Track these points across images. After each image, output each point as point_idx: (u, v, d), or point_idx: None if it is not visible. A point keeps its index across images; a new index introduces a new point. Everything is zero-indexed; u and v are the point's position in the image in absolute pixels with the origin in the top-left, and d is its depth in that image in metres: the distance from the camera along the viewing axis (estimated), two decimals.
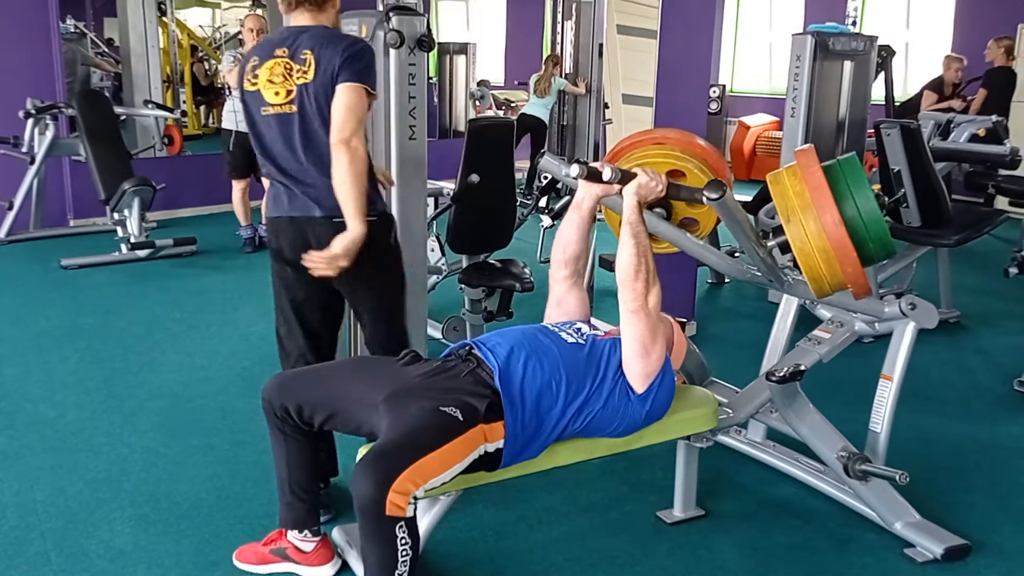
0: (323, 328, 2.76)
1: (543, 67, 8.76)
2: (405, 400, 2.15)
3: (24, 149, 6.28)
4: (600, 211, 2.63)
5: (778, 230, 2.38)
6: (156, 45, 7.84)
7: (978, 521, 2.80)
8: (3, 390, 3.70)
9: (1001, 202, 6.64)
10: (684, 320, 4.31)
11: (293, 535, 2.44)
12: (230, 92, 5.72)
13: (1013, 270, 4.14)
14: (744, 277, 2.69)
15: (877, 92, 5.77)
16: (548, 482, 2.91)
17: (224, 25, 10.05)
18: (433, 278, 4.25)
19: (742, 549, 2.65)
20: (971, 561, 2.60)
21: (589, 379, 2.26)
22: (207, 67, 9.41)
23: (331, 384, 2.32)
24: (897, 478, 2.53)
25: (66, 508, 2.78)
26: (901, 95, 8.14)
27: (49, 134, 6.23)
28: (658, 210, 2.62)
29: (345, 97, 2.49)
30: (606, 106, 4.83)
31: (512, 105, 9.83)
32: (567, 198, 4.66)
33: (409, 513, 1.97)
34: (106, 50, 8.49)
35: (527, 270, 3.83)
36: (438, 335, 4.05)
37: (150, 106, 7.69)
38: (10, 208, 6.29)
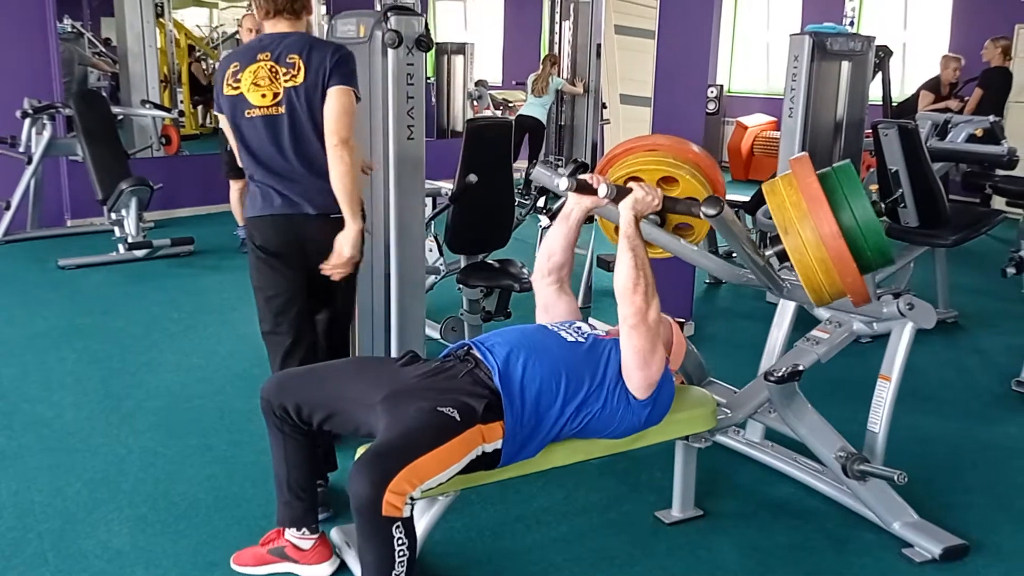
0: (308, 318, 2.83)
1: (541, 66, 8.76)
2: (403, 400, 2.15)
3: (21, 149, 6.27)
4: (595, 219, 2.63)
5: (775, 239, 2.38)
6: (153, 45, 7.82)
7: (976, 521, 2.80)
8: (0, 390, 3.69)
9: (998, 202, 6.65)
10: (682, 320, 4.30)
11: (291, 533, 2.44)
12: None
13: (1011, 270, 4.14)
14: (740, 281, 2.69)
15: (874, 92, 5.76)
16: (546, 482, 2.92)
17: (222, 25, 10.05)
18: (431, 278, 4.25)
19: (741, 549, 2.65)
20: (969, 561, 2.60)
21: (588, 378, 2.26)
22: (205, 67, 9.41)
23: (330, 384, 2.32)
24: (895, 478, 2.53)
25: (64, 508, 2.77)
26: (898, 95, 8.14)
27: (46, 134, 6.21)
28: (652, 216, 2.61)
29: (339, 100, 2.62)
30: (604, 106, 4.82)
31: (510, 105, 9.83)
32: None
33: (405, 513, 1.97)
34: (103, 50, 8.47)
35: (525, 270, 3.83)
36: (436, 335, 4.05)
37: (147, 106, 7.68)
38: (7, 208, 6.28)
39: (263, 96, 2.65)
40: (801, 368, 2.68)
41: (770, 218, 2.42)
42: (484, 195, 3.84)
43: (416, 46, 3.01)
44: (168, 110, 7.79)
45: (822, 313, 3.01)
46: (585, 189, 2.39)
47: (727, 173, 10.30)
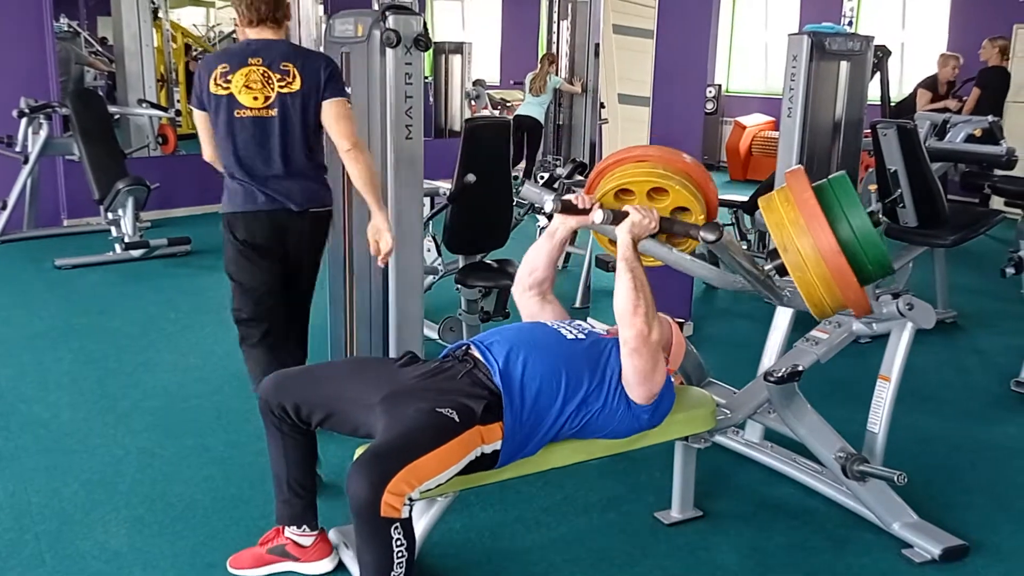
0: (283, 305, 3.04)
1: (539, 65, 8.74)
2: (402, 401, 2.14)
3: (18, 148, 6.26)
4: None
5: (774, 253, 2.37)
6: (150, 44, 7.81)
7: (976, 521, 2.80)
8: None
9: (996, 202, 6.65)
10: (681, 320, 4.30)
11: (291, 531, 2.43)
12: None
13: (1010, 270, 4.14)
14: (736, 288, 2.68)
15: (873, 92, 5.76)
16: (546, 483, 2.91)
17: (218, 24, 10.04)
18: (429, 278, 4.24)
19: (740, 550, 2.64)
20: (969, 561, 2.59)
21: (587, 376, 2.25)
22: None
23: (328, 385, 2.31)
24: (895, 479, 2.52)
25: (61, 509, 2.76)
26: (896, 95, 8.14)
27: (43, 133, 6.19)
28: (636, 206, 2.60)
29: (339, 110, 2.88)
30: (602, 106, 4.82)
31: (508, 105, 9.82)
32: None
33: (404, 514, 1.97)
34: (100, 49, 8.46)
35: None
36: (434, 336, 4.04)
37: (144, 105, 7.67)
38: (3, 208, 6.26)
39: (255, 99, 2.83)
40: (801, 368, 2.67)
41: None
42: (482, 195, 3.84)
43: (414, 45, 3.00)
44: (165, 109, 7.78)
45: None
46: (570, 210, 2.39)
47: (725, 173, 10.31)
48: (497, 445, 2.14)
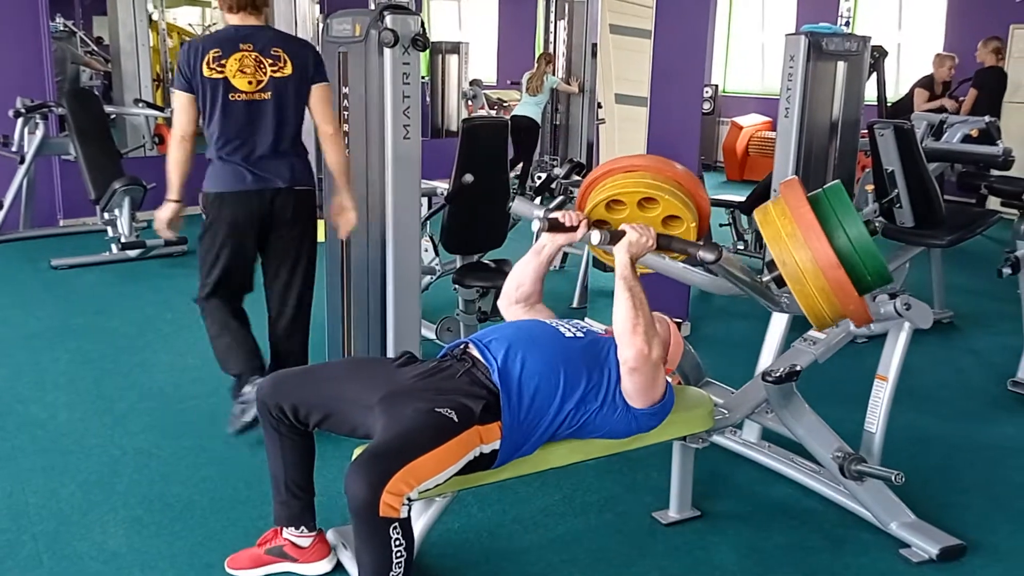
0: (251, 278, 3.27)
1: (536, 65, 8.74)
2: (400, 401, 2.14)
3: (14, 148, 6.23)
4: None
5: (772, 264, 2.37)
6: (146, 43, 7.79)
7: (973, 521, 2.80)
8: None
9: (993, 202, 6.65)
10: (679, 320, 4.31)
11: (289, 532, 2.43)
12: None
13: (1006, 270, 4.14)
14: (731, 293, 2.68)
15: (869, 93, 5.77)
16: (544, 483, 2.91)
17: (215, 23, 10.00)
18: (427, 278, 4.24)
19: (738, 549, 2.64)
20: (966, 561, 2.60)
21: (585, 374, 2.25)
22: None
23: (327, 385, 2.31)
24: (893, 478, 2.52)
25: (58, 510, 2.76)
26: (893, 96, 8.15)
27: (39, 133, 6.17)
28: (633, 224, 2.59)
29: (326, 94, 3.13)
30: (599, 106, 4.82)
31: (505, 104, 9.81)
32: (561, 198, 4.66)
33: (403, 514, 1.96)
34: (96, 48, 8.45)
35: None
36: (432, 336, 4.04)
37: (140, 105, 7.66)
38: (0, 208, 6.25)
39: (249, 83, 3.02)
40: (798, 368, 2.68)
41: None
42: (480, 195, 3.83)
43: (412, 45, 3.00)
44: (161, 109, 7.76)
45: None
46: (557, 228, 2.39)
47: (722, 173, 10.31)
48: (496, 445, 2.14)
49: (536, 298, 2.53)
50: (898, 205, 4.40)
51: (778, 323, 3.17)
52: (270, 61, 3.04)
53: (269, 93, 3.04)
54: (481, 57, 10.97)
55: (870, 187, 4.66)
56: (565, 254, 5.64)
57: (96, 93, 7.35)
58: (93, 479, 2.95)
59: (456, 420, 2.07)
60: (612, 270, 2.33)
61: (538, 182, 6.97)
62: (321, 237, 3.46)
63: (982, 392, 3.96)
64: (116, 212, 5.79)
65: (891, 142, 4.32)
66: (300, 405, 2.27)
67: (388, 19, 2.96)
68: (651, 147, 4.27)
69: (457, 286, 3.91)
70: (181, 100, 3.06)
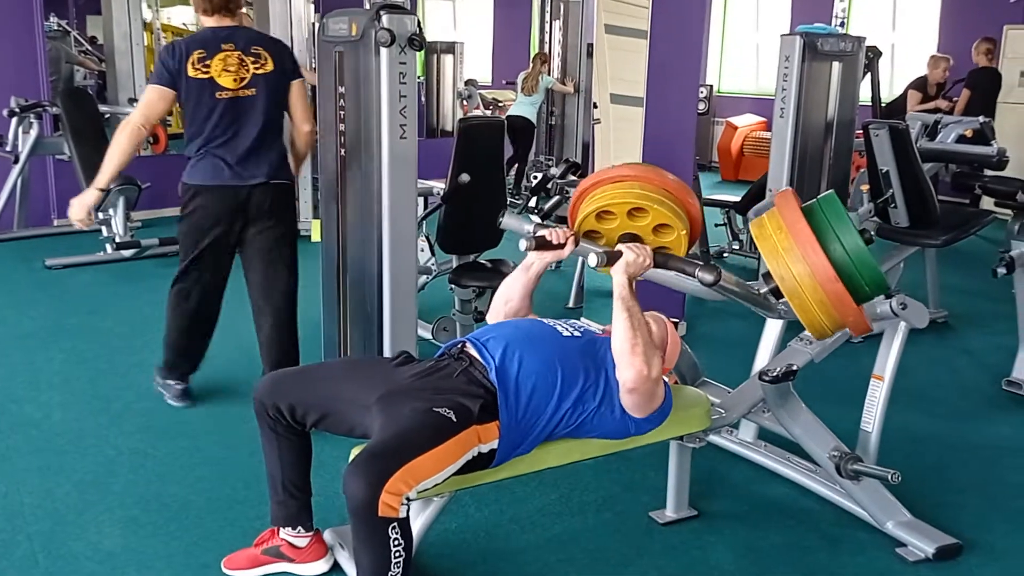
0: (226, 269, 3.43)
1: (531, 65, 8.74)
2: (398, 401, 2.13)
3: (8, 148, 6.22)
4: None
5: (768, 276, 2.37)
6: (140, 43, 7.77)
7: (969, 520, 2.81)
8: None
9: (987, 203, 6.67)
10: (675, 320, 4.30)
11: (286, 532, 2.43)
12: None
13: (1001, 270, 4.15)
14: (726, 298, 2.68)
15: (864, 93, 5.78)
16: (541, 483, 2.91)
17: None
18: (423, 278, 4.23)
19: (735, 549, 2.65)
20: (963, 560, 2.61)
21: (583, 372, 2.25)
22: None
23: (324, 385, 2.30)
24: (889, 477, 2.53)
25: (54, 510, 2.75)
26: (887, 96, 8.17)
27: (33, 133, 6.16)
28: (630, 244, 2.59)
29: (304, 90, 3.34)
30: (595, 106, 4.82)
31: (500, 104, 9.81)
32: (557, 198, 4.65)
33: (402, 514, 1.96)
34: (90, 48, 8.42)
35: None
36: (428, 336, 4.04)
37: (135, 104, 7.61)
38: None
39: (234, 80, 3.15)
40: (795, 368, 2.68)
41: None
42: (476, 195, 3.83)
43: (409, 45, 3.00)
44: None
45: None
46: (544, 246, 2.40)
47: (717, 173, 10.33)
48: (494, 444, 2.14)
49: (525, 312, 2.52)
50: (893, 205, 4.41)
51: (774, 323, 3.18)
52: (252, 59, 3.17)
53: (254, 89, 3.18)
54: (476, 57, 10.96)
55: (865, 187, 4.66)
56: None
57: (90, 93, 7.32)
58: (89, 479, 2.95)
59: (455, 420, 2.07)
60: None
61: (534, 182, 6.97)
62: (316, 237, 3.47)
63: (977, 392, 3.97)
64: (110, 212, 5.78)
65: (886, 142, 4.33)
66: (297, 405, 2.26)
67: (385, 19, 2.96)
68: (647, 147, 4.28)
69: (453, 286, 3.91)
70: (156, 92, 3.15)
